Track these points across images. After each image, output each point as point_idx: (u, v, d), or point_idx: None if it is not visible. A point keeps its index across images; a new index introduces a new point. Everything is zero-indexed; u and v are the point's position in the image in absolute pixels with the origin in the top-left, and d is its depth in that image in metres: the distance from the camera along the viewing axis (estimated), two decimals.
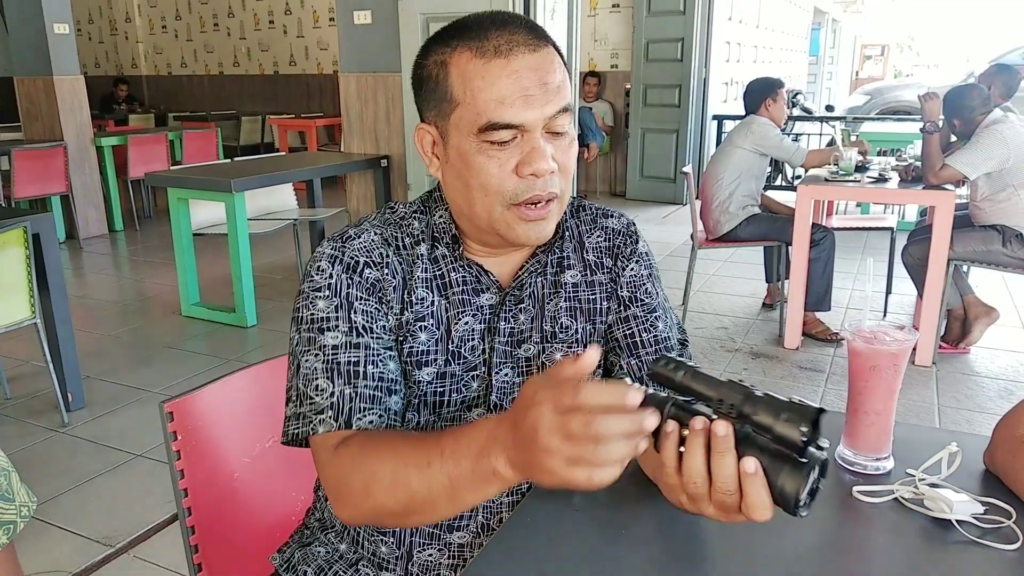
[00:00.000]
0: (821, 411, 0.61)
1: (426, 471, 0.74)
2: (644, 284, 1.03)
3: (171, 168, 5.47)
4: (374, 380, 0.90)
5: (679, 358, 0.69)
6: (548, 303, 1.00)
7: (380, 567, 1.01)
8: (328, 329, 0.90)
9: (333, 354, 0.90)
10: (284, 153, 6.59)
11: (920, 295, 3.55)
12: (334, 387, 0.89)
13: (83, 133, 6.03)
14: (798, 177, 7.73)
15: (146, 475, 2.55)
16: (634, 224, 1.07)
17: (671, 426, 0.66)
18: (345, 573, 1.03)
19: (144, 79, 11.19)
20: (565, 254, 1.02)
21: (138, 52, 11.18)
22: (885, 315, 4.17)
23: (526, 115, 0.85)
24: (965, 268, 3.72)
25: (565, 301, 1.01)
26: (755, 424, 0.63)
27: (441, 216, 0.98)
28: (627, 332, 1.02)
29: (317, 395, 0.89)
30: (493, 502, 1.00)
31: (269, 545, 1.22)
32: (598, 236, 1.04)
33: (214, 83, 10.62)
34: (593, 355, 0.64)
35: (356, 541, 1.03)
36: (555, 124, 0.87)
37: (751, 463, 0.63)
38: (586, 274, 1.02)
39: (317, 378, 0.89)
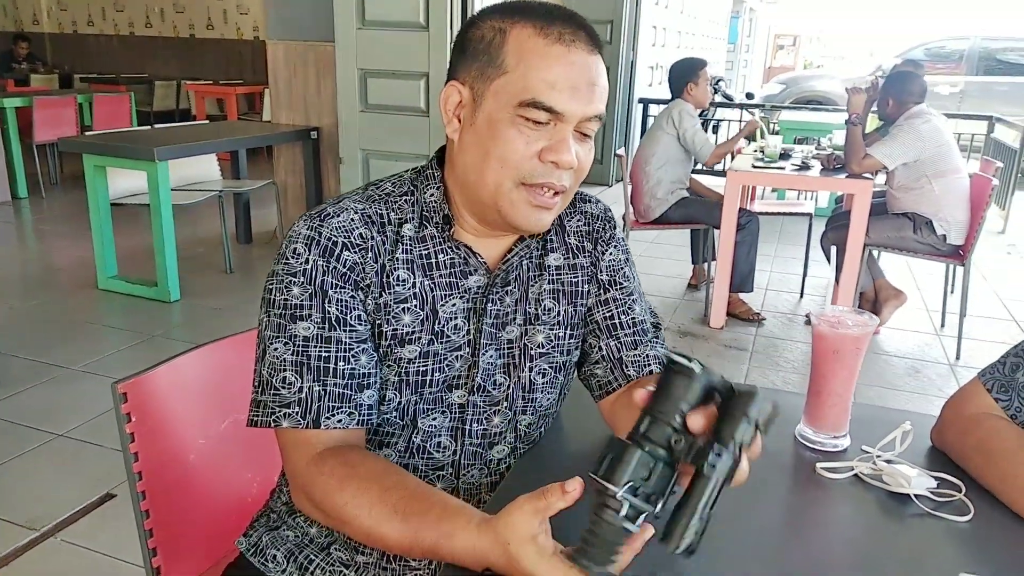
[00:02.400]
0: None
1: (408, 550, 0.81)
2: (622, 268, 1.06)
3: (86, 133, 5.17)
4: (344, 377, 0.89)
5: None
6: (532, 285, 1.01)
7: (355, 550, 1.00)
8: (301, 319, 0.89)
9: (304, 346, 0.89)
10: (206, 122, 6.34)
11: (837, 279, 3.72)
12: (302, 382, 0.88)
13: None
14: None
15: (70, 456, 2.44)
16: (610, 210, 1.09)
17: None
18: (316, 556, 1.02)
19: (47, 36, 10.49)
20: (548, 236, 1.03)
21: (40, 7, 10.46)
22: (802, 296, 4.37)
23: (570, 106, 0.86)
24: (877, 253, 3.93)
25: (548, 284, 1.02)
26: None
27: (432, 195, 0.96)
28: (607, 315, 1.04)
29: (284, 387, 0.88)
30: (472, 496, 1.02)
31: (229, 528, 1.19)
32: (578, 220, 1.05)
33: (124, 44, 10.06)
34: (577, 491, 0.69)
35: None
36: (587, 126, 0.89)
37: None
38: (568, 257, 1.03)
39: (285, 370, 0.88)
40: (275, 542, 1.05)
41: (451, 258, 0.96)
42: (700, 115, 8.09)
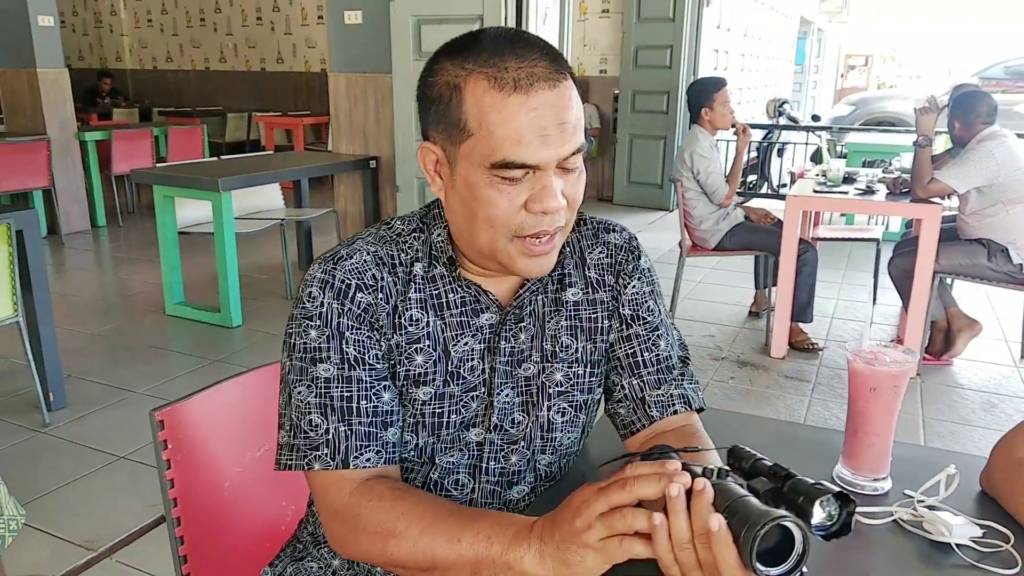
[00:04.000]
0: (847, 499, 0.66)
1: (455, 546, 0.78)
2: (646, 301, 1.02)
3: (157, 165, 5.41)
4: (368, 416, 0.89)
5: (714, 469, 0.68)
6: (548, 321, 0.99)
7: None
8: (320, 360, 0.89)
9: (326, 387, 0.89)
10: (271, 152, 6.55)
11: (905, 307, 3.58)
12: (328, 424, 0.88)
13: (66, 127, 5.95)
14: (784, 185, 7.79)
15: (128, 478, 2.52)
16: (636, 239, 1.06)
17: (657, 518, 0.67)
18: None
19: (129, 73, 11.07)
20: (567, 271, 1.00)
21: (123, 45, 11.06)
22: (871, 325, 4.21)
23: (541, 156, 0.82)
24: (949, 281, 3.76)
25: (566, 320, 0.99)
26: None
27: (439, 235, 0.95)
28: (629, 351, 1.01)
29: (311, 430, 0.89)
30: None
31: (259, 556, 1.20)
32: (600, 252, 1.02)
33: (200, 79, 10.53)
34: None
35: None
36: (568, 162, 0.85)
37: (715, 520, 0.63)
38: (587, 291, 1.01)
39: (311, 412, 0.89)
40: (298, 573, 1.05)
41: (461, 297, 0.95)
42: (765, 137, 7.94)
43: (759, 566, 0.60)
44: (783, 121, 8.08)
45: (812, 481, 0.66)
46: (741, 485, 0.67)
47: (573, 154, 0.85)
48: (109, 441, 2.74)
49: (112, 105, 9.25)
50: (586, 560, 0.69)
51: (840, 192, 3.79)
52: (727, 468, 0.69)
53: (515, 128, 0.81)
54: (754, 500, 0.64)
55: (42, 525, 2.24)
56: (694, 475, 0.66)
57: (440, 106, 0.86)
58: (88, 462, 2.61)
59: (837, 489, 0.66)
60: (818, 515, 0.65)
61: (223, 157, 5.10)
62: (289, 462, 0.90)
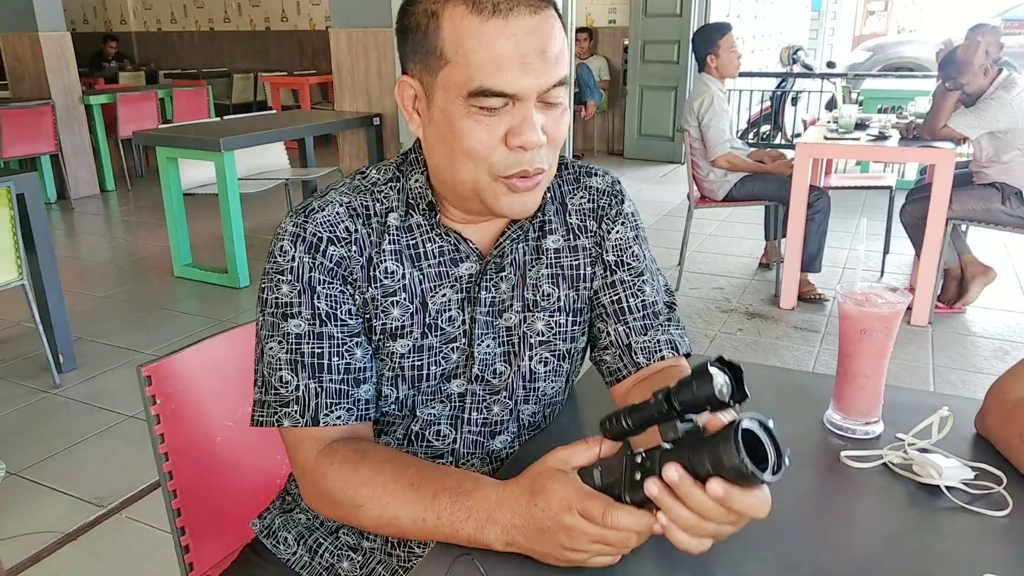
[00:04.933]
0: (728, 364, 0.64)
1: (420, 525, 0.78)
2: (631, 247, 0.99)
3: (159, 127, 5.38)
4: (339, 372, 0.88)
5: (615, 412, 0.69)
6: (529, 270, 0.96)
7: (362, 535, 1.00)
8: (291, 316, 0.88)
9: (296, 343, 0.87)
10: (275, 111, 6.49)
11: (917, 254, 3.52)
12: (298, 380, 0.87)
13: (71, 91, 5.92)
14: (798, 135, 7.64)
15: (138, 436, 2.55)
16: (619, 183, 1.03)
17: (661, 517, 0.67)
18: (325, 540, 1.02)
19: (134, 36, 10.97)
20: (547, 217, 0.97)
21: (127, 8, 10.93)
22: (882, 275, 4.15)
23: (521, 84, 0.78)
24: (964, 227, 3.69)
25: (547, 268, 0.97)
26: (684, 405, 0.64)
27: (417, 180, 0.92)
28: (614, 298, 0.98)
29: (282, 387, 0.88)
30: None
31: (251, 509, 1.21)
32: (581, 197, 0.99)
33: (204, 40, 10.42)
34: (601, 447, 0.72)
35: None
36: (549, 95, 0.81)
37: (672, 470, 0.64)
38: (568, 239, 0.98)
39: (281, 369, 0.88)
40: (287, 525, 1.05)
41: (440, 246, 0.92)
42: (779, 86, 7.76)
43: (758, 473, 0.60)
44: (797, 69, 7.89)
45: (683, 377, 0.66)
46: (671, 442, 0.66)
47: (555, 86, 0.81)
48: (118, 401, 2.77)
49: (118, 68, 9.19)
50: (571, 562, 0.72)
51: (852, 139, 3.70)
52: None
53: (494, 54, 0.78)
54: (695, 436, 0.65)
55: (54, 484, 2.28)
56: (647, 470, 0.66)
57: (417, 35, 0.83)
58: (98, 421, 2.64)
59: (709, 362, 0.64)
60: (717, 381, 0.63)
61: (227, 117, 5.06)
62: (261, 418, 0.89)
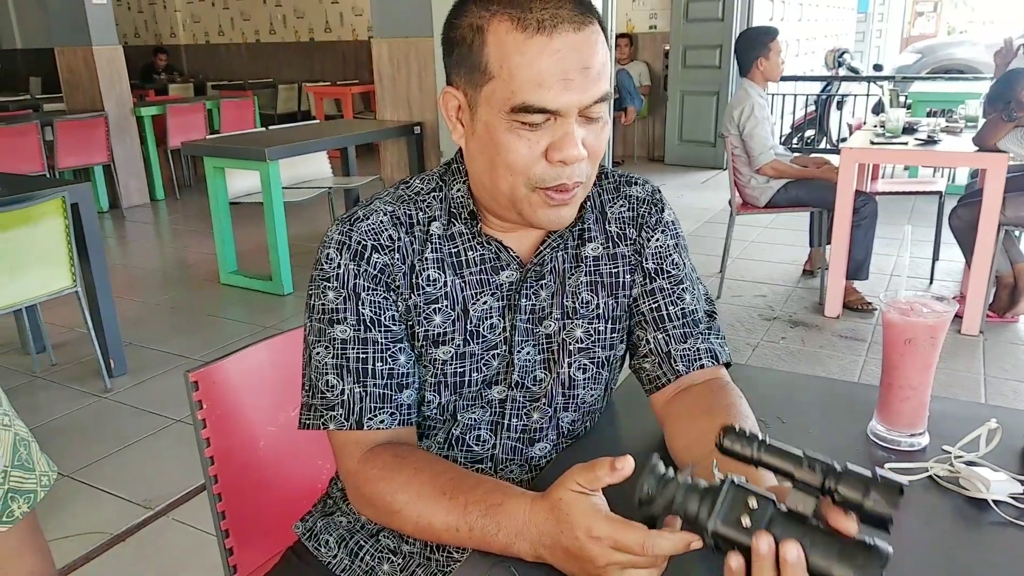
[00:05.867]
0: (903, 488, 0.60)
1: (455, 534, 0.80)
2: (671, 255, 0.99)
3: (207, 137, 5.51)
4: (383, 378, 0.90)
5: (749, 432, 0.64)
6: (569, 278, 0.97)
7: (402, 539, 1.01)
8: (337, 322, 0.90)
9: (342, 349, 0.90)
10: (319, 121, 6.60)
11: (968, 262, 3.43)
12: (343, 385, 0.89)
13: (123, 103, 6.10)
14: (843, 140, 7.51)
15: (185, 440, 2.61)
16: (659, 191, 1.03)
17: (734, 561, 0.63)
18: (366, 543, 1.03)
19: (183, 48, 11.26)
20: (586, 226, 0.98)
21: (176, 21, 11.24)
22: (931, 282, 4.05)
23: (563, 100, 0.80)
24: (1017, 234, 3.58)
25: (586, 275, 0.97)
26: (842, 500, 0.60)
27: (459, 190, 0.94)
28: (653, 305, 0.98)
29: (328, 391, 0.90)
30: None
31: (294, 513, 1.23)
32: (621, 206, 1.00)
33: (251, 51, 10.64)
34: (629, 465, 0.69)
35: None
36: (591, 110, 0.82)
37: (793, 551, 0.60)
38: (608, 246, 0.98)
39: (328, 373, 0.90)
40: (328, 527, 1.07)
41: (481, 254, 0.94)
42: (824, 89, 7.66)
43: None
44: (843, 72, 7.76)
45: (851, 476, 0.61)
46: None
47: (597, 102, 0.82)
48: (166, 405, 2.84)
49: (168, 80, 9.44)
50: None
51: (899, 143, 3.63)
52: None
53: (536, 71, 0.79)
54: (824, 534, 0.61)
55: (103, 485, 2.35)
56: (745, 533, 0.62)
57: (463, 48, 0.84)
58: (146, 425, 2.71)
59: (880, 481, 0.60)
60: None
61: (271, 127, 5.16)
62: (308, 421, 0.92)
